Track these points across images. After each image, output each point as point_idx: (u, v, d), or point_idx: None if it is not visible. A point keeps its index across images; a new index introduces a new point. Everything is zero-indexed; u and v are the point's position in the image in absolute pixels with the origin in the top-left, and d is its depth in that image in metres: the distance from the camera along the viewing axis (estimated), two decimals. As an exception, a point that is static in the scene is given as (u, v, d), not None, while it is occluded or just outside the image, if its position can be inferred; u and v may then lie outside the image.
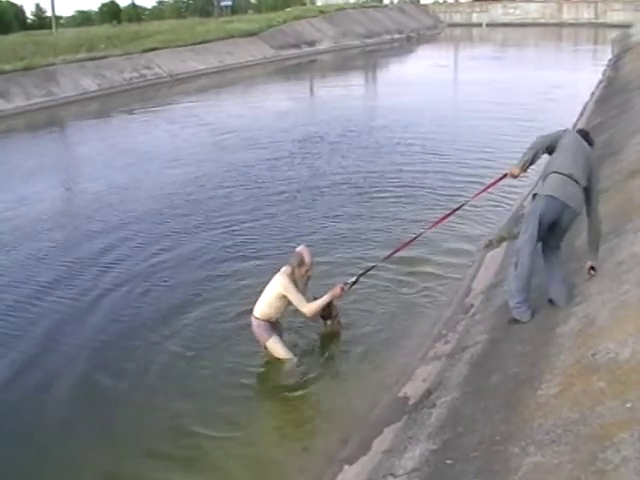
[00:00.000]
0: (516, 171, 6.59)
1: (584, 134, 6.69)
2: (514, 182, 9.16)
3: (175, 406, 6.68)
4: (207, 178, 14.86)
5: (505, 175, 6.94)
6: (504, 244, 9.60)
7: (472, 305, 7.81)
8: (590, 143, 6.61)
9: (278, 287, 7.16)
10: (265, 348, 7.34)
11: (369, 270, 7.92)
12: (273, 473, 5.76)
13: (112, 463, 5.98)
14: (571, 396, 4.43)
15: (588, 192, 6.26)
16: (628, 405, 3.91)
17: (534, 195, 6.36)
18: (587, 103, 21.36)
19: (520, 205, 11.57)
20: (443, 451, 4.76)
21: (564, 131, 6.64)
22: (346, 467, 5.47)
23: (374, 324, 8.06)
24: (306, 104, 27.47)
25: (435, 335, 7.44)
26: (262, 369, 7.36)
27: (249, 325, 7.43)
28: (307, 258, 7.33)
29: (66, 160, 19.31)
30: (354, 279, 7.59)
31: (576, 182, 6.12)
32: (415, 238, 8.16)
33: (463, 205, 7.88)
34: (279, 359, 7.28)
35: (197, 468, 5.81)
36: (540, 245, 6.29)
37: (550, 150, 6.46)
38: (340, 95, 28.17)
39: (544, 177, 6.36)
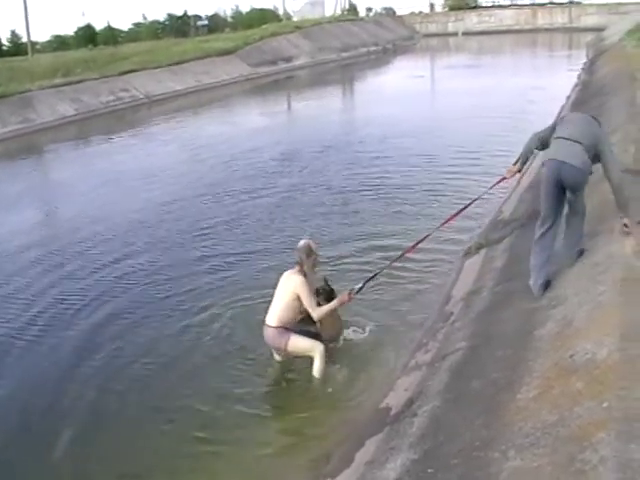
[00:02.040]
0: (513, 170, 6.91)
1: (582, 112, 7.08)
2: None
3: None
4: (181, 204, 14.54)
5: (504, 178, 7.08)
6: (482, 251, 9.60)
7: (452, 313, 7.78)
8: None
9: (294, 286, 7.17)
10: (285, 353, 7.31)
11: (376, 275, 7.94)
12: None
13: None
14: (550, 398, 4.41)
15: (601, 156, 6.43)
16: (605, 405, 3.89)
17: (542, 164, 6.63)
18: (563, 107, 21.46)
19: (498, 211, 11.57)
20: (424, 460, 4.71)
21: (555, 121, 6.92)
22: (329, 481, 5.43)
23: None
24: (283, 121, 27.50)
25: (416, 344, 7.41)
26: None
27: (262, 338, 7.39)
28: (313, 245, 7.40)
29: (43, 187, 19.07)
30: (361, 285, 7.59)
31: (575, 142, 6.30)
32: (420, 241, 8.15)
33: (468, 206, 7.97)
34: (306, 355, 7.24)
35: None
36: (566, 212, 6.57)
37: (544, 144, 6.69)
38: (317, 111, 28.25)
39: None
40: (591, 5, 66.73)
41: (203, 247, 11.59)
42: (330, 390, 7.03)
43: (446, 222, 8.16)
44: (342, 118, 26.92)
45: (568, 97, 23.27)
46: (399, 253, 8.34)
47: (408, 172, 15.64)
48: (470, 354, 6.22)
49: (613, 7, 62.33)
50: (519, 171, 7.07)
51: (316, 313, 7.20)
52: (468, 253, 9.99)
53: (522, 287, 7.17)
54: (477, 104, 24.81)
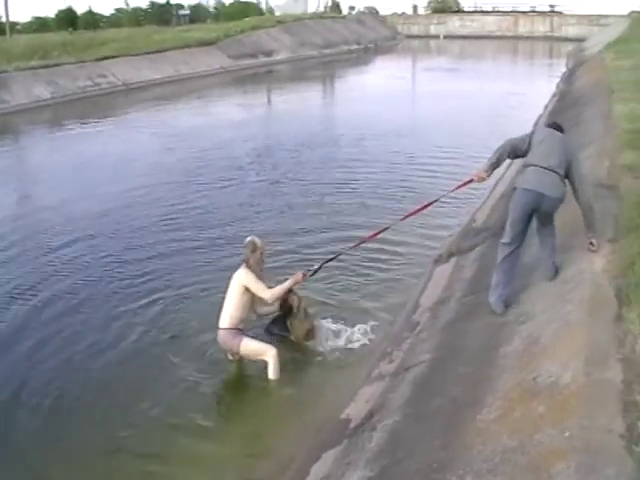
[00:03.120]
0: (482, 174, 6.75)
1: (555, 126, 6.93)
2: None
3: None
4: (152, 197, 14.09)
5: (471, 180, 6.99)
6: (453, 259, 9.50)
7: (418, 322, 7.66)
8: (562, 131, 6.82)
9: (239, 281, 7.23)
10: (238, 356, 7.25)
11: (332, 259, 8.10)
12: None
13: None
14: (511, 422, 4.30)
15: (571, 176, 6.42)
16: (567, 434, 3.78)
17: (514, 188, 6.57)
18: (540, 116, 21.50)
19: (471, 219, 11.50)
20: (380, 478, 4.59)
21: (532, 132, 6.86)
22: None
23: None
24: (261, 115, 27.21)
25: (380, 353, 7.28)
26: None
27: (215, 342, 7.32)
28: (258, 242, 7.43)
29: (9, 170, 18.66)
30: (317, 266, 7.71)
31: (553, 172, 6.29)
32: (381, 231, 8.27)
33: (432, 204, 7.95)
34: (258, 358, 7.16)
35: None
36: (536, 226, 6.57)
37: (517, 153, 6.66)
38: (297, 107, 28.03)
39: (522, 171, 6.62)
40: (572, 16, 67.20)
41: (158, 236, 11.55)
42: (289, 395, 6.89)
43: (407, 217, 8.19)
44: (321, 115, 26.74)
45: (546, 106, 23.33)
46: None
47: (383, 169, 15.77)
48: (434, 368, 6.10)
49: (594, 19, 62.86)
50: (488, 176, 6.92)
51: (268, 294, 7.26)
52: (438, 260, 9.89)
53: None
54: (457, 106, 24.97)
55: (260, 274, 7.46)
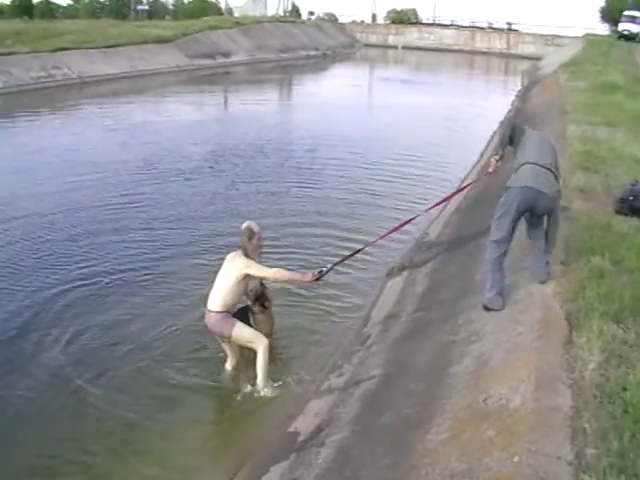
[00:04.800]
0: (497, 159, 6.82)
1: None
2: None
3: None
4: (96, 198, 13.61)
5: (488, 173, 7.14)
6: (405, 273, 9.53)
7: (369, 335, 7.66)
8: None
9: (239, 269, 6.97)
10: (227, 340, 7.07)
11: (342, 261, 8.12)
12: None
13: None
14: (460, 444, 4.30)
15: None
16: (515, 459, 3.80)
17: (507, 188, 6.47)
18: (496, 132, 21.74)
19: (424, 233, 11.55)
20: (327, 497, 4.57)
21: (521, 129, 6.82)
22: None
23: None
24: (217, 117, 26.94)
25: (331, 366, 7.25)
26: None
27: (204, 326, 7.14)
28: (255, 228, 7.21)
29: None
30: (329, 267, 7.57)
31: (549, 170, 6.33)
32: (384, 235, 8.71)
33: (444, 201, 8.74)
34: (248, 346, 7.02)
35: None
36: (527, 229, 6.61)
37: (511, 139, 6.67)
38: (253, 110, 27.81)
39: (516, 170, 6.50)
40: (529, 34, 68.29)
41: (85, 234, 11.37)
42: (236, 405, 6.78)
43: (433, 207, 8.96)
44: (277, 119, 26.67)
45: (501, 122, 23.55)
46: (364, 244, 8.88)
47: (333, 176, 15.87)
48: (384, 383, 6.10)
49: (550, 38, 63.98)
50: (501, 158, 6.92)
51: (271, 272, 7.09)
52: (390, 273, 9.90)
53: (440, 316, 7.17)
54: (411, 117, 25.30)
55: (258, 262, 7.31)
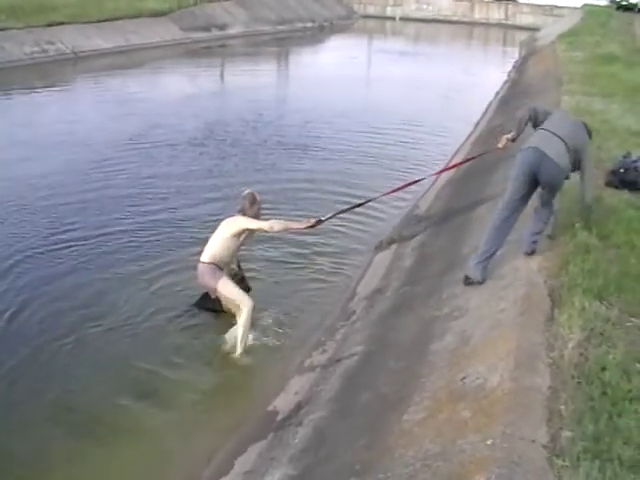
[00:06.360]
0: (509, 138, 6.61)
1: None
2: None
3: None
4: (86, 168, 13.35)
5: (497, 148, 6.90)
6: (393, 246, 9.41)
7: (354, 311, 7.54)
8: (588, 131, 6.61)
9: (238, 224, 7.03)
10: (216, 293, 7.08)
11: (343, 212, 8.20)
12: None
13: None
14: (435, 425, 4.20)
15: (580, 163, 6.28)
16: (489, 442, 3.68)
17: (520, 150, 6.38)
18: (491, 102, 21.58)
19: (415, 205, 11.41)
20: (302, 478, 4.47)
21: (546, 110, 6.67)
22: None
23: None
24: (213, 90, 26.65)
25: (314, 342, 7.14)
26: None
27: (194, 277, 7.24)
28: (258, 196, 7.28)
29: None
30: (330, 215, 7.59)
31: (560, 139, 6.13)
32: (388, 193, 8.72)
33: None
34: (233, 303, 7.04)
35: None
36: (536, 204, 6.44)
37: (535, 122, 6.50)
38: (250, 83, 27.48)
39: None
40: (527, 5, 67.56)
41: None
42: (217, 383, 6.73)
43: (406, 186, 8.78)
44: (274, 92, 26.38)
45: (497, 93, 23.39)
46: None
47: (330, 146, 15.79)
48: (365, 361, 6.00)
49: (548, 9, 63.33)
50: (514, 140, 6.75)
51: (269, 225, 7.03)
52: (379, 247, 9.78)
53: (425, 291, 7.06)
54: (411, 88, 24.96)
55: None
